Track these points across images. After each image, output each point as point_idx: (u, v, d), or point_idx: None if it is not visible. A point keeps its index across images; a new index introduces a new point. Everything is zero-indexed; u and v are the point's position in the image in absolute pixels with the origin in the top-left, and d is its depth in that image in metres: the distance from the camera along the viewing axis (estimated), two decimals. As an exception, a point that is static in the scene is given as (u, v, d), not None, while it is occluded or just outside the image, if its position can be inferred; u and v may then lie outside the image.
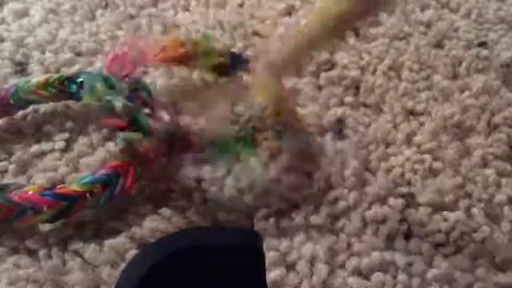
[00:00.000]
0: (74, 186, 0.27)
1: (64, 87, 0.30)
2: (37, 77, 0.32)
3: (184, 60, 0.33)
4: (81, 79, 0.30)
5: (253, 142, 0.30)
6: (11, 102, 0.31)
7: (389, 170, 0.31)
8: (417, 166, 0.31)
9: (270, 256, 0.26)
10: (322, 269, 0.26)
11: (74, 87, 0.30)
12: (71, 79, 0.30)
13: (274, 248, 0.27)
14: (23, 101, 0.31)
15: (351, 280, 0.26)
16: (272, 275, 0.26)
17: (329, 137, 0.32)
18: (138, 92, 0.29)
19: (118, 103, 0.27)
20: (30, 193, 0.26)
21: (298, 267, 0.27)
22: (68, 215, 0.27)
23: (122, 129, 0.28)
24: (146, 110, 0.29)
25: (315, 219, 0.28)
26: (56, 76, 0.31)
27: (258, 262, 0.20)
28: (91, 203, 0.27)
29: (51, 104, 0.33)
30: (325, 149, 0.32)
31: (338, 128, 0.33)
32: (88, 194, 0.27)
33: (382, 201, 0.30)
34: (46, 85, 0.31)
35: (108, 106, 0.28)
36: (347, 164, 0.31)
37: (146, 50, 0.31)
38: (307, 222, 0.28)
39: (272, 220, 0.28)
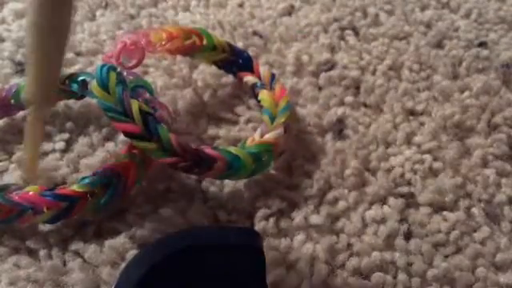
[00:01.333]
0: (74, 187, 0.26)
1: (65, 86, 0.30)
2: None
3: (190, 51, 0.33)
4: (82, 78, 0.30)
5: None
6: (12, 102, 0.31)
7: (389, 170, 0.31)
8: (417, 166, 0.31)
9: (269, 256, 0.26)
10: (321, 269, 0.26)
11: (75, 86, 0.30)
12: (72, 78, 0.30)
13: (274, 248, 0.27)
14: (24, 101, 0.31)
15: (351, 280, 0.26)
16: (272, 275, 0.26)
17: (329, 137, 0.32)
18: (140, 90, 0.29)
19: (135, 106, 0.26)
20: (31, 193, 0.26)
21: (298, 267, 0.27)
22: (68, 216, 0.27)
23: (133, 135, 0.26)
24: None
25: (315, 219, 0.28)
26: None
27: (258, 262, 0.21)
28: (92, 204, 0.27)
29: (51, 104, 0.33)
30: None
31: (338, 128, 0.33)
32: (88, 195, 0.27)
33: (382, 201, 0.30)
34: None
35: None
36: (347, 164, 0.31)
37: (153, 39, 0.31)
38: (307, 222, 0.28)
39: (272, 220, 0.28)
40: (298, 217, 0.28)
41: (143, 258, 0.20)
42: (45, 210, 0.26)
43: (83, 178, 0.27)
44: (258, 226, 0.28)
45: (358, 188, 0.30)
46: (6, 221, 0.26)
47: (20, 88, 0.31)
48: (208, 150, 0.27)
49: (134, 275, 0.19)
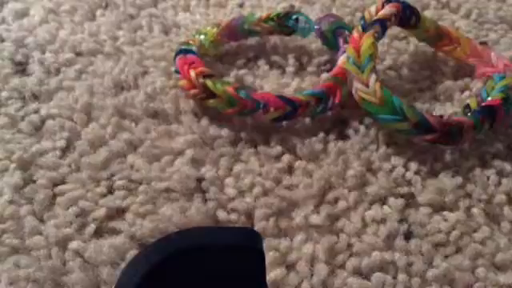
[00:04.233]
0: (297, 95, 0.32)
1: (282, 21, 0.36)
2: (260, 13, 0.37)
3: None
4: (296, 16, 0.36)
5: None
6: (239, 30, 0.37)
7: (390, 171, 0.31)
8: (417, 166, 0.31)
9: (269, 256, 0.26)
10: (321, 269, 0.26)
11: (291, 22, 0.36)
12: (288, 16, 0.36)
13: (273, 248, 0.27)
14: (247, 31, 0.37)
15: (351, 280, 0.26)
16: (272, 275, 0.26)
17: (331, 137, 0.32)
18: (341, 30, 0.36)
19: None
20: (268, 93, 0.32)
21: (298, 267, 0.27)
22: (290, 118, 0.32)
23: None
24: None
25: (315, 219, 0.28)
26: (275, 12, 0.37)
27: (258, 262, 0.20)
28: (309, 112, 0.32)
29: (51, 104, 0.33)
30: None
31: (340, 128, 0.33)
32: (307, 104, 0.32)
33: (382, 201, 0.30)
34: (267, 19, 0.36)
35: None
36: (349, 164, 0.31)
37: None
38: (307, 221, 0.28)
39: (272, 220, 0.28)
40: (297, 217, 0.28)
41: (143, 258, 0.20)
42: (272, 109, 0.31)
43: (305, 91, 0.33)
44: (258, 226, 0.28)
45: (358, 188, 0.30)
46: (241, 113, 0.32)
47: (246, 19, 0.37)
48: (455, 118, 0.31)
49: (134, 275, 0.19)
